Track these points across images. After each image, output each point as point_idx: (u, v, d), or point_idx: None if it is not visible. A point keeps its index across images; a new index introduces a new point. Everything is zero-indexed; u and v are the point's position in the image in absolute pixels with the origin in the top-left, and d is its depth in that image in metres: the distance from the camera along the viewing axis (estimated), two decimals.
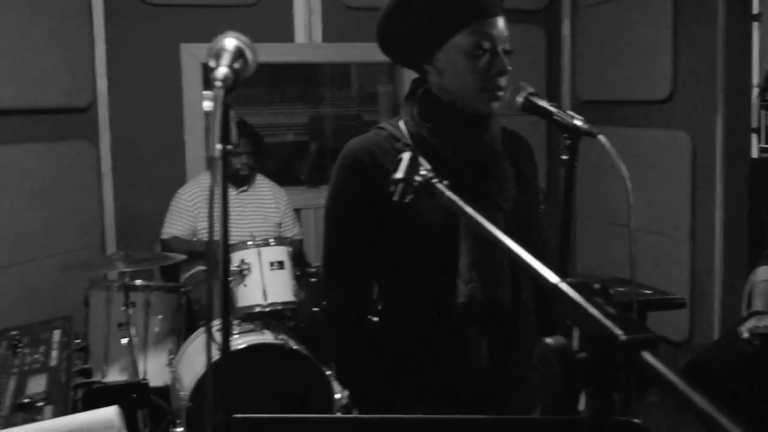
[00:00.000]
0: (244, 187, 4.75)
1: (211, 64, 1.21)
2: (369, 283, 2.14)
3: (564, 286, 0.97)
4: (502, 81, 1.99)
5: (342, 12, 5.27)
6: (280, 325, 4.08)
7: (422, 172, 1.54)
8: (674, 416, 3.86)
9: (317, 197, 5.53)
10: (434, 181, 1.51)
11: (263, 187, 4.86)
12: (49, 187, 4.39)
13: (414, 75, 2.12)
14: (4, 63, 4.06)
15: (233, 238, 4.44)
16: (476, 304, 2.00)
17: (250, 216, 4.73)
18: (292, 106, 6.42)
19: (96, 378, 3.32)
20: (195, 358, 3.91)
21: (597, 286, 0.96)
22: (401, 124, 2.10)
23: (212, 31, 4.59)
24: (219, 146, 1.08)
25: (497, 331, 2.06)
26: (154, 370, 4.01)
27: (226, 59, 1.22)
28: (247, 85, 6.17)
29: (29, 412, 1.70)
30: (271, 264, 4.04)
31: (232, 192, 4.72)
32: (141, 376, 3.87)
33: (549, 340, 0.94)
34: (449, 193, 1.43)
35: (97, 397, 1.89)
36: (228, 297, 1.15)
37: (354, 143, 2.11)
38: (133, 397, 1.98)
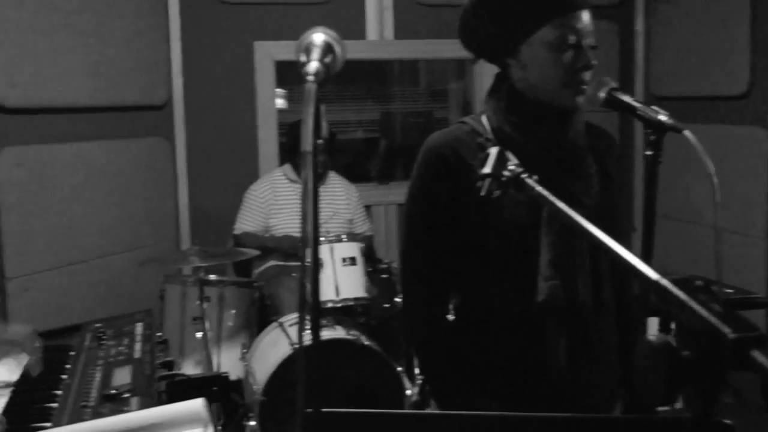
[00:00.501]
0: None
1: (302, 59, 1.22)
2: (448, 280, 2.13)
3: (666, 283, 0.94)
4: (587, 75, 1.97)
5: (413, 9, 5.26)
6: (351, 320, 4.09)
7: (510, 167, 1.52)
8: (747, 417, 3.77)
9: (387, 193, 5.54)
10: (524, 176, 1.49)
11: (335, 183, 4.88)
12: (126, 183, 4.47)
13: (486, 71, 2.10)
14: (83, 62, 4.15)
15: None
16: (556, 302, 1.98)
17: (322, 212, 4.75)
18: (362, 103, 6.44)
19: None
20: (268, 353, 3.95)
21: (699, 283, 0.93)
22: (483, 119, 2.08)
23: (285, 29, 4.68)
24: (312, 141, 1.08)
25: (577, 330, 2.04)
26: (228, 363, 4.07)
27: (316, 54, 1.22)
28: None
29: (116, 403, 1.73)
30: (344, 260, 4.06)
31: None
32: (215, 370, 3.93)
33: (652, 338, 0.92)
34: (540, 188, 1.41)
35: (179, 389, 1.91)
36: (317, 292, 1.16)
37: (435, 138, 2.10)
38: (213, 389, 1.99)
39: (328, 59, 1.22)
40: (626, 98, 1.91)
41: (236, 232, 4.74)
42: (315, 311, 1.14)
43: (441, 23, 5.23)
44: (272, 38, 5.04)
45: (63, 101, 4.07)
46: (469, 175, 2.01)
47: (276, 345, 3.95)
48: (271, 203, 4.70)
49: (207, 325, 3.91)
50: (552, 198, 1.36)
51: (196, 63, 4.94)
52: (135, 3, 4.48)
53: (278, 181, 4.77)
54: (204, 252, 3.96)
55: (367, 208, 5.12)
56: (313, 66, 1.19)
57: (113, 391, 1.77)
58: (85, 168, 4.22)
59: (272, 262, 4.65)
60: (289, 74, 5.41)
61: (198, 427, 1.47)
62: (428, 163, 2.08)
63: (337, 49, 1.27)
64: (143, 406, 1.68)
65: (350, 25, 5.13)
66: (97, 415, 1.67)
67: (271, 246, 4.58)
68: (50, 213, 4.03)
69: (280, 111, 5.33)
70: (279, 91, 5.28)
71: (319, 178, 4.62)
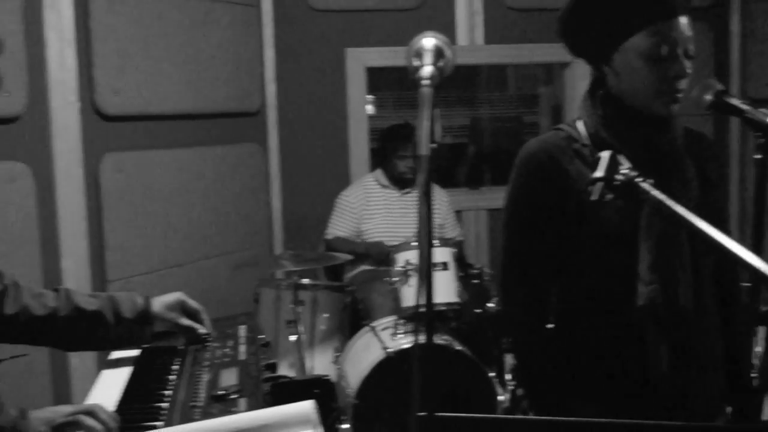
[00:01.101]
0: (407, 189, 4.80)
1: (414, 63, 1.22)
2: (547, 285, 2.11)
3: None
4: (681, 84, 1.92)
5: (504, 13, 5.25)
6: (443, 325, 4.09)
7: (623, 171, 1.50)
8: None
9: (478, 199, 5.53)
10: (638, 180, 1.47)
11: (414, 183, 4.89)
12: (222, 188, 4.55)
13: (577, 75, 2.08)
14: (181, 70, 4.24)
15: (397, 239, 4.50)
16: (656, 306, 1.95)
17: (413, 217, 4.77)
18: (450, 108, 6.44)
19: None
20: (360, 357, 3.98)
21: None
22: (579, 124, 2.06)
23: (376, 36, 4.70)
24: (430, 145, 1.08)
25: (678, 335, 2.00)
26: (320, 366, 4.10)
27: (429, 58, 1.23)
28: (405, 89, 6.23)
29: (225, 403, 1.75)
30: (435, 265, 4.06)
31: (395, 194, 4.78)
32: (308, 373, 3.97)
33: None
34: (655, 192, 1.39)
35: (283, 391, 1.93)
36: (430, 295, 1.16)
37: (532, 144, 2.09)
38: (315, 392, 2.02)
39: (440, 63, 1.23)
40: (734, 101, 1.87)
41: (328, 237, 4.79)
42: (428, 315, 1.14)
43: (531, 27, 5.20)
44: (363, 45, 5.09)
45: (161, 109, 4.17)
46: (566, 180, 1.99)
47: (368, 349, 3.97)
48: (363, 208, 4.74)
49: (300, 328, 3.96)
50: (669, 202, 1.34)
51: (289, 70, 5.01)
52: (230, 13, 4.56)
53: (370, 187, 4.81)
54: (297, 256, 4.01)
55: (457, 213, 5.12)
56: (428, 70, 1.19)
57: (221, 392, 1.79)
58: (183, 174, 4.31)
59: (364, 267, 4.69)
60: (377, 80, 5.44)
61: (308, 428, 1.49)
62: (525, 169, 2.08)
63: (448, 53, 1.28)
64: (251, 407, 1.70)
65: (440, 31, 5.12)
66: (206, 415, 1.70)
67: (361, 252, 4.61)
68: (149, 217, 4.13)
69: (370, 117, 5.37)
70: (368, 97, 5.31)
71: (409, 183, 4.66)
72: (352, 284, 4.53)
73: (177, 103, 4.25)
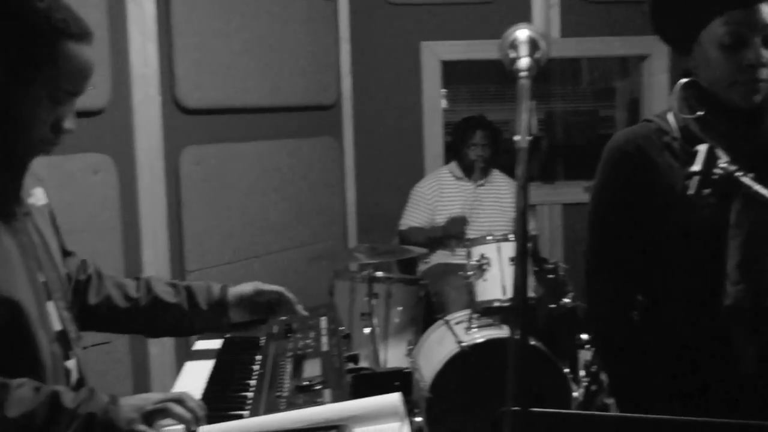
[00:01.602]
0: (482, 182, 4.79)
1: (511, 55, 1.21)
2: (633, 281, 2.08)
3: None
4: (762, 73, 1.86)
5: (580, 6, 5.18)
6: (517, 320, 4.05)
7: (722, 165, 1.47)
8: None
9: (552, 193, 5.49)
10: (738, 174, 1.44)
11: (500, 182, 4.88)
12: (297, 181, 4.59)
13: (655, 68, 2.04)
14: (259, 64, 4.29)
15: (472, 233, 4.49)
16: (744, 307, 1.90)
17: (488, 211, 4.76)
18: None
19: None
20: (434, 350, 3.98)
21: None
22: (669, 116, 2.02)
23: (451, 29, 4.69)
24: (527, 137, 1.07)
25: (766, 337, 1.95)
26: (393, 359, 4.12)
27: (525, 50, 1.22)
28: (479, 82, 6.21)
29: (309, 394, 1.76)
30: (511, 259, 4.04)
31: (470, 186, 4.77)
32: (381, 365, 3.98)
33: None
34: (758, 187, 1.36)
35: (364, 383, 1.94)
36: (525, 288, 1.15)
37: (620, 136, 2.06)
38: (396, 384, 2.01)
39: (537, 54, 1.22)
40: None
41: (402, 227, 4.81)
42: (523, 309, 1.13)
43: (608, 20, 5.13)
44: (439, 38, 5.09)
45: (240, 102, 4.22)
46: (655, 174, 1.96)
47: (442, 343, 3.98)
48: (437, 200, 4.74)
49: (375, 320, 3.97)
50: None
51: (364, 63, 5.03)
52: (307, 7, 4.60)
53: (444, 179, 4.81)
54: (372, 249, 4.02)
55: (532, 207, 5.08)
56: (525, 62, 1.18)
57: (306, 383, 1.81)
58: (260, 166, 4.36)
59: (438, 260, 4.69)
60: (452, 74, 5.42)
61: (395, 420, 1.49)
62: (613, 161, 2.04)
63: (542, 44, 1.27)
64: (336, 398, 1.71)
65: (518, 23, 5.09)
66: (291, 405, 1.71)
67: (438, 235, 4.63)
68: (227, 209, 4.19)
69: (444, 110, 5.36)
70: (442, 90, 5.30)
71: (483, 174, 4.66)
72: (425, 277, 4.54)
73: (255, 97, 4.30)
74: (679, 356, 2.02)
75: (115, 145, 3.68)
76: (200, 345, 2.34)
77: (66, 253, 2.05)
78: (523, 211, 1.10)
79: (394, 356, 4.14)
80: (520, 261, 1.13)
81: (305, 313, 2.28)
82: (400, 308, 4.26)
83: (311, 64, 4.64)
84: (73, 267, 2.09)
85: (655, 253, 2.01)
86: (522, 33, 1.27)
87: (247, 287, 2.28)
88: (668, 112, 2.04)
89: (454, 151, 4.92)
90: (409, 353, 4.11)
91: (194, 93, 3.99)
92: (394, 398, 1.51)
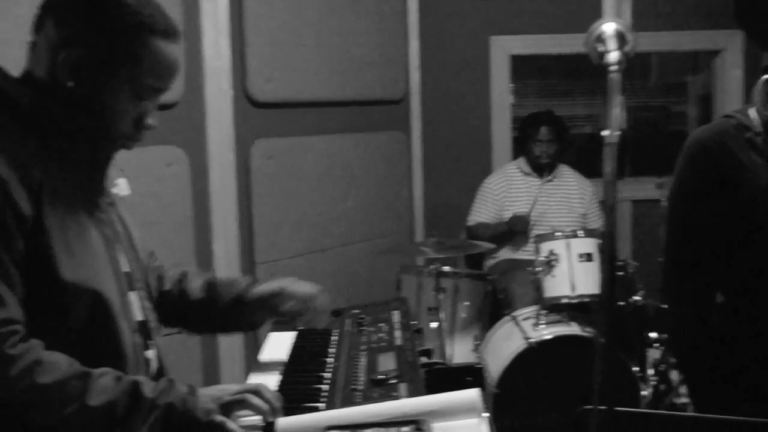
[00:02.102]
0: (550, 178, 4.75)
1: (599, 48, 1.20)
2: (712, 278, 2.05)
3: None
4: None
5: (652, 0, 5.10)
6: (586, 317, 4.03)
7: None
8: None
9: (621, 189, 5.39)
10: None
11: (568, 178, 4.84)
12: (366, 175, 4.61)
13: (728, 64, 1.99)
14: (329, 59, 4.31)
15: (537, 227, 4.46)
16: None
17: (555, 207, 4.72)
18: (591, 97, 6.31)
19: None
20: (501, 346, 3.97)
21: None
22: (751, 112, 1.98)
23: (521, 23, 4.65)
24: (616, 132, 1.06)
25: None
26: (460, 354, 4.11)
27: (613, 43, 1.20)
28: (546, 76, 6.15)
29: (385, 388, 1.76)
30: (580, 256, 4.01)
31: (537, 182, 4.74)
32: (448, 360, 3.98)
33: None
34: None
35: (437, 377, 1.94)
36: (613, 290, 1.14)
37: (700, 132, 2.03)
38: (468, 379, 2.01)
39: (626, 48, 1.20)
40: None
41: (470, 223, 4.80)
42: (609, 307, 1.12)
43: (681, 14, 5.05)
44: (508, 32, 5.06)
45: (309, 96, 4.25)
46: (738, 170, 1.92)
47: (509, 339, 3.96)
48: (505, 196, 4.72)
49: (442, 315, 3.97)
50: None
51: (433, 58, 5.03)
52: (377, 2, 4.61)
53: (513, 175, 4.79)
54: (440, 244, 4.01)
55: (600, 203, 5.02)
56: (615, 56, 1.17)
57: (381, 377, 1.81)
58: (329, 160, 4.39)
59: (504, 256, 4.67)
60: (519, 68, 5.38)
61: (473, 416, 1.49)
62: (693, 157, 2.01)
63: (630, 37, 1.25)
64: (411, 392, 1.71)
65: (586, 18, 5.03)
66: (367, 398, 1.72)
67: (503, 230, 4.60)
68: (296, 202, 4.23)
69: (512, 105, 5.33)
70: (510, 86, 5.28)
71: (549, 170, 4.63)
72: (492, 273, 4.52)
73: (325, 91, 4.33)
74: (759, 357, 1.98)
75: (187, 138, 3.73)
76: (273, 337, 2.36)
77: None
78: (612, 207, 1.08)
79: (460, 351, 4.14)
80: (608, 259, 1.12)
81: (322, 325, 2.14)
82: (467, 303, 4.26)
83: (380, 59, 4.65)
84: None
85: (737, 251, 1.98)
86: (609, 26, 1.26)
87: (268, 287, 2.11)
88: (749, 108, 2.00)
89: (520, 147, 4.90)
90: (476, 348, 4.10)
91: (265, 87, 4.02)
92: (473, 394, 1.51)
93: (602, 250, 0.99)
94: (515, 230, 4.60)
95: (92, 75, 1.62)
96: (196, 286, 2.09)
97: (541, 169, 4.74)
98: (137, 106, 1.67)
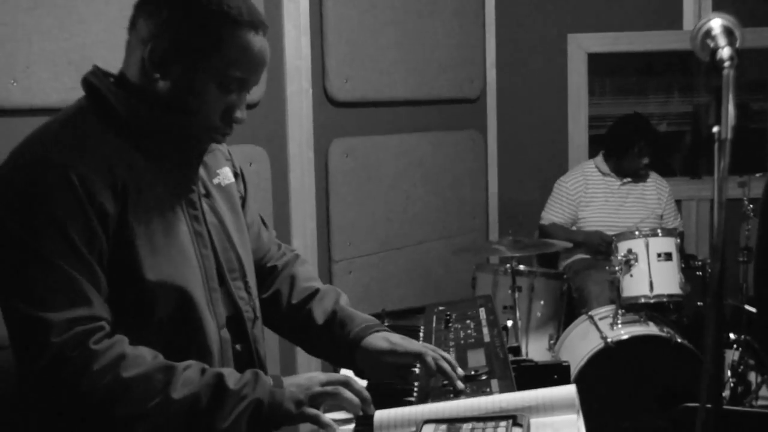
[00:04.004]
0: (628, 179, 4.70)
1: (711, 45, 1.19)
2: None
3: None
4: None
5: None
6: (663, 317, 3.99)
7: None
8: None
9: (700, 188, 5.34)
10: None
11: (646, 178, 4.78)
12: (442, 173, 4.63)
13: None
14: (406, 58, 4.34)
15: (614, 228, 4.42)
16: None
17: (632, 207, 4.68)
18: (667, 95, 6.22)
19: None
20: (577, 345, 3.95)
21: None
22: None
23: (598, 21, 4.60)
24: (726, 129, 1.06)
25: None
26: (535, 353, 4.10)
27: (723, 39, 1.19)
28: (620, 74, 6.08)
29: (477, 383, 1.77)
30: (659, 255, 3.97)
31: (616, 182, 4.70)
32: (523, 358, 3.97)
33: None
34: None
35: (525, 374, 1.94)
36: (722, 289, 1.13)
37: None
38: (554, 377, 2.01)
39: (735, 43, 1.19)
40: None
41: (543, 222, 4.77)
42: (718, 309, 1.12)
43: (762, 10, 4.95)
44: (585, 30, 5.02)
45: (387, 95, 4.28)
46: None
47: (586, 338, 3.94)
48: (581, 195, 4.69)
49: (517, 314, 3.96)
50: None
51: (509, 56, 5.03)
52: (454, 1, 4.62)
53: (590, 174, 4.75)
54: (516, 242, 4.01)
55: (678, 202, 4.96)
56: (727, 52, 1.16)
57: (472, 372, 1.82)
58: (405, 158, 4.41)
59: (580, 255, 4.63)
60: (595, 66, 5.34)
61: (571, 412, 1.49)
62: None
63: (738, 33, 1.24)
64: (503, 388, 1.71)
65: (666, 15, 5.00)
66: (459, 394, 1.73)
67: (579, 240, 4.55)
68: (372, 201, 4.26)
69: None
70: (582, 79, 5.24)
71: (642, 177, 4.57)
72: (567, 272, 4.50)
73: (402, 90, 4.35)
74: None
75: (268, 137, 3.78)
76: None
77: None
78: (721, 204, 1.08)
79: (535, 350, 4.13)
80: (719, 260, 1.11)
81: (461, 385, 1.78)
82: (542, 302, 4.25)
83: (457, 58, 4.66)
84: (264, 243, 2.10)
85: None
86: (716, 22, 1.25)
87: (382, 343, 1.92)
88: None
89: (610, 149, 4.76)
90: (551, 347, 4.09)
91: (344, 86, 4.06)
92: (570, 390, 1.52)
93: (712, 248, 0.98)
94: (589, 244, 4.54)
95: (178, 66, 1.64)
96: (321, 311, 2.00)
97: (637, 177, 4.69)
98: (224, 99, 1.68)
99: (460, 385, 1.75)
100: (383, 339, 1.92)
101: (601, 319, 4.01)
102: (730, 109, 1.07)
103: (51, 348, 1.47)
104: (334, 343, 1.97)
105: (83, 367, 1.48)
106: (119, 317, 1.58)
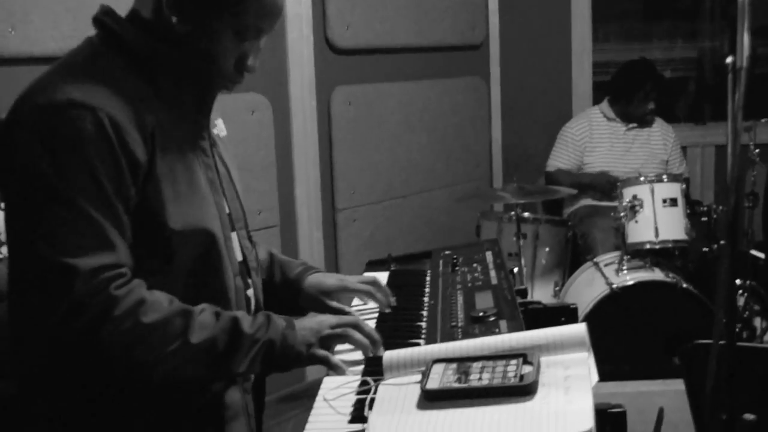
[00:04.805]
0: (634, 124, 4.66)
1: None
2: None
3: None
4: None
5: None
6: (669, 263, 3.98)
7: None
8: None
9: (703, 134, 5.31)
10: None
11: (651, 123, 4.74)
12: (445, 121, 4.60)
13: None
14: (408, 3, 4.29)
15: (620, 173, 4.40)
16: None
17: (638, 152, 4.65)
18: (672, 41, 6.16)
19: None
20: (583, 291, 3.95)
21: None
22: None
23: None
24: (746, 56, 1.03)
25: None
26: (540, 299, 4.10)
27: None
28: (626, 19, 6.02)
29: (485, 324, 1.78)
30: (664, 201, 3.94)
31: (621, 127, 4.66)
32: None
33: None
34: None
35: (532, 316, 1.94)
36: (737, 232, 1.12)
37: None
38: (562, 319, 2.01)
39: None
40: None
41: (549, 168, 4.74)
42: (731, 257, 1.10)
43: None
44: None
45: (389, 42, 4.24)
46: None
47: (592, 284, 3.94)
48: (587, 141, 4.66)
49: (522, 261, 3.96)
50: None
51: (512, 2, 4.95)
52: None
53: (595, 119, 4.71)
54: (520, 189, 3.99)
55: (683, 149, 4.93)
56: None
57: (480, 314, 1.82)
58: (408, 106, 4.39)
59: (584, 202, 4.62)
60: (600, 11, 5.28)
61: (582, 350, 1.49)
62: None
63: None
64: (512, 329, 1.71)
65: None
66: (467, 335, 1.73)
67: (586, 182, 4.54)
68: (375, 149, 4.24)
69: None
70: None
71: (648, 123, 4.54)
72: (571, 219, 4.49)
73: (404, 37, 4.31)
74: None
75: (270, 85, 3.75)
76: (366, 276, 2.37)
77: None
78: (737, 137, 1.06)
79: (540, 297, 4.12)
80: (734, 200, 1.10)
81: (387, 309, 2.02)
82: (547, 249, 4.24)
83: (460, 4, 4.61)
84: None
85: None
86: None
87: (329, 280, 2.04)
88: None
89: (616, 94, 4.71)
90: (556, 294, 4.09)
91: (345, 33, 4.02)
92: (581, 328, 1.51)
93: (725, 185, 0.96)
94: (596, 186, 4.52)
95: (197, 11, 1.60)
96: (264, 259, 2.03)
97: (643, 122, 4.66)
98: (239, 46, 1.65)
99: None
100: (326, 278, 2.04)
101: (606, 265, 4.00)
102: (746, 38, 1.04)
103: (73, 295, 1.45)
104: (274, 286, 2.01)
105: (104, 313, 1.47)
106: (139, 263, 1.56)
